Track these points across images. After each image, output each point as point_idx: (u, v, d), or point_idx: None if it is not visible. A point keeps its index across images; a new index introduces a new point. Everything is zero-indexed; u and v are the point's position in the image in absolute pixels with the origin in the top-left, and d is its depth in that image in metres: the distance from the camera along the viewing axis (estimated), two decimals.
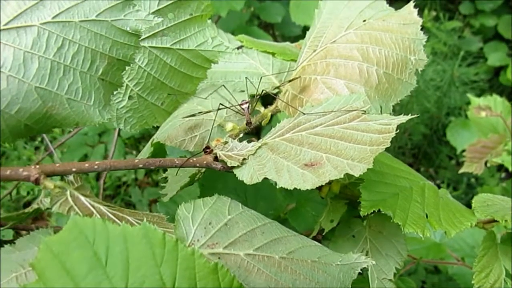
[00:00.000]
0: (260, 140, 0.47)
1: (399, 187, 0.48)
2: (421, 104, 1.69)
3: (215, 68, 0.64)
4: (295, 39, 1.86)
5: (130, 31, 0.35)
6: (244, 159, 0.43)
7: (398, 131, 0.40)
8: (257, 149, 0.44)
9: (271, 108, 0.54)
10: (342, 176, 0.38)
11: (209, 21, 0.73)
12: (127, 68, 0.49)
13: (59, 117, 0.34)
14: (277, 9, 1.59)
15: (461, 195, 2.07)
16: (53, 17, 0.32)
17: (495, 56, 1.79)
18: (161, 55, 0.54)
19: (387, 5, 0.55)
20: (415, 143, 2.01)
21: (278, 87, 0.65)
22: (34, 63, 0.32)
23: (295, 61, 0.69)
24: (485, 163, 1.22)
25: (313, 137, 0.42)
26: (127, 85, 0.53)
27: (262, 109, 0.54)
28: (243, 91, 0.64)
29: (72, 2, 0.33)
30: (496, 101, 1.34)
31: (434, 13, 1.84)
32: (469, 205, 1.84)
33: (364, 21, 0.52)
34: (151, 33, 0.52)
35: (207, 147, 0.45)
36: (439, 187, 1.87)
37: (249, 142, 0.46)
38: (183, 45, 0.55)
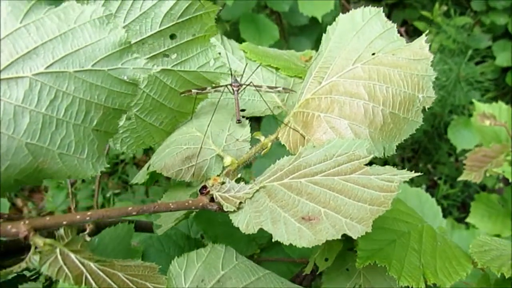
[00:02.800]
0: (258, 178, 0.46)
1: (397, 232, 0.47)
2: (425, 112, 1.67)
3: None
4: (301, 28, 1.82)
5: (127, 80, 0.33)
6: (240, 202, 0.42)
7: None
8: (254, 193, 0.43)
9: (271, 137, 0.52)
10: (339, 236, 0.37)
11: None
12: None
13: (50, 171, 0.32)
14: None
15: (457, 193, 2.08)
16: (47, 67, 0.30)
17: (503, 56, 1.75)
18: (162, 77, 0.52)
19: (398, 35, 0.53)
20: (415, 138, 2.00)
21: (280, 107, 0.63)
22: (25, 117, 0.30)
23: (300, 77, 0.67)
24: (485, 172, 1.21)
25: (312, 186, 0.41)
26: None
27: (262, 138, 0.52)
28: (244, 109, 0.62)
29: (67, 51, 0.31)
30: (501, 108, 1.32)
31: (445, 8, 1.79)
32: (464, 204, 1.84)
33: (373, 54, 0.50)
34: (152, 54, 0.51)
35: (204, 187, 0.43)
36: (436, 184, 1.86)
37: (246, 182, 0.45)
38: (185, 67, 0.53)
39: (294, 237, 0.38)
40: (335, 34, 0.54)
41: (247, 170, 1.51)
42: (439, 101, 1.70)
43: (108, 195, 1.91)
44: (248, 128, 0.53)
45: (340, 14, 0.55)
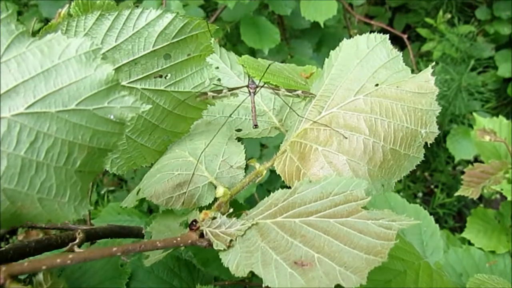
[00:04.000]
0: (251, 212, 0.44)
1: (393, 271, 0.46)
2: None
3: None
4: (303, 30, 1.80)
5: (114, 120, 0.31)
6: (231, 240, 0.40)
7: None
8: (246, 230, 0.41)
9: (266, 165, 0.50)
10: (332, 286, 0.35)
11: (211, 39, 0.68)
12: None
13: (29, 216, 0.30)
14: (288, 1, 1.52)
15: (453, 202, 2.07)
16: (27, 107, 0.28)
17: (506, 67, 1.73)
18: (154, 97, 0.50)
19: (403, 64, 0.51)
20: None
21: (277, 128, 0.62)
22: (2, 161, 0.28)
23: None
24: (482, 188, 1.20)
25: (307, 228, 0.39)
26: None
27: (257, 165, 0.50)
28: (240, 129, 0.60)
29: (50, 89, 0.29)
30: (501, 123, 1.30)
31: (449, 16, 1.77)
32: (460, 213, 1.83)
33: (377, 85, 0.48)
34: (144, 75, 0.49)
35: (195, 221, 0.42)
36: (433, 192, 1.84)
37: (237, 217, 0.43)
38: (179, 87, 0.51)
39: (285, 283, 0.36)
40: (338, 61, 0.51)
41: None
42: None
43: (102, 192, 1.89)
44: (243, 154, 0.51)
45: (344, 39, 0.53)
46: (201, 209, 0.48)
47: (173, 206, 0.47)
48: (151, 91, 0.49)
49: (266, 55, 1.61)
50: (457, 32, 1.72)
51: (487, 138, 1.20)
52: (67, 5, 0.54)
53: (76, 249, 0.77)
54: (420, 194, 2.00)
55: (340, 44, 0.53)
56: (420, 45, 2.05)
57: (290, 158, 0.48)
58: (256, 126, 0.52)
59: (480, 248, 1.25)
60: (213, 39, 0.69)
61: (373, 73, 0.49)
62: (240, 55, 1.85)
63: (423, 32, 1.89)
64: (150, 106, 0.33)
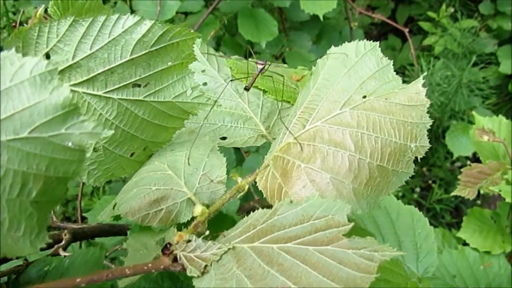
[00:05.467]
0: (229, 233, 0.42)
1: None
2: None
3: None
4: (303, 23, 1.76)
5: (72, 147, 0.29)
6: (206, 266, 0.38)
7: None
8: (222, 255, 0.39)
9: (248, 179, 0.48)
10: None
11: (199, 40, 0.66)
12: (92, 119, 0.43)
13: None
14: None
15: (450, 198, 2.05)
16: None
17: (508, 64, 1.70)
18: (132, 108, 0.47)
19: (394, 74, 0.49)
20: None
21: (264, 136, 0.59)
22: None
23: (288, 102, 0.63)
24: (479, 189, 1.18)
25: (284, 256, 0.37)
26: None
27: (239, 179, 0.48)
28: (224, 137, 0.58)
29: None
30: (501, 122, 1.28)
31: (452, 10, 1.73)
32: (458, 209, 1.81)
33: (365, 97, 0.46)
34: (121, 84, 0.46)
35: (168, 245, 0.40)
36: (431, 187, 1.83)
37: (214, 238, 0.41)
38: (158, 97, 0.48)
39: None
40: (325, 70, 0.49)
41: (238, 168, 1.47)
42: (438, 106, 1.65)
43: None
44: (224, 168, 0.49)
45: (332, 47, 0.51)
46: (179, 226, 0.46)
47: (150, 223, 0.45)
48: (128, 101, 0.47)
49: (264, 48, 1.58)
50: (460, 27, 1.69)
51: (485, 138, 1.18)
52: (43, 5, 0.52)
53: (62, 252, 0.76)
54: (417, 189, 1.98)
55: (328, 51, 0.51)
56: (422, 38, 2.01)
57: (273, 174, 0.46)
58: (247, 89, 0.56)
59: (475, 249, 1.24)
60: (200, 40, 0.66)
61: (361, 84, 0.47)
62: (239, 46, 1.81)
63: (425, 25, 1.85)
64: (112, 131, 0.31)
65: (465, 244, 1.28)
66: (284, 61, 1.65)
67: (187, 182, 0.48)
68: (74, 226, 0.88)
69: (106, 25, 0.44)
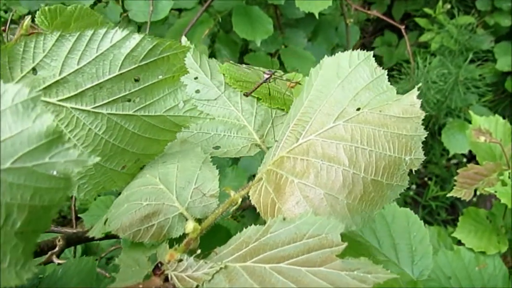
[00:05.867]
0: (221, 251, 0.42)
1: None
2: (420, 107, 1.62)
3: None
4: (298, 20, 1.75)
5: (57, 176, 0.28)
6: (197, 285, 0.38)
7: None
8: (214, 274, 0.38)
9: (242, 192, 0.48)
10: None
11: (191, 46, 0.65)
12: (80, 137, 0.43)
13: None
14: None
15: (446, 194, 2.04)
16: None
17: (504, 61, 1.69)
18: (122, 122, 0.47)
19: (388, 84, 0.48)
20: None
21: (258, 146, 0.59)
22: None
23: (282, 109, 0.62)
24: (475, 190, 1.18)
25: (277, 276, 0.37)
26: (81, 151, 0.47)
27: (232, 193, 0.47)
28: (218, 147, 0.57)
29: None
30: (498, 122, 1.27)
31: (448, 6, 1.72)
32: (453, 206, 1.81)
33: (358, 109, 0.45)
34: (110, 99, 0.45)
35: (159, 264, 0.39)
36: (426, 184, 1.82)
37: (206, 256, 0.41)
38: (149, 111, 0.47)
39: None
40: (318, 81, 0.48)
41: (233, 166, 1.47)
42: (434, 104, 1.65)
43: None
44: (217, 182, 0.48)
45: (325, 57, 0.50)
46: (171, 241, 0.45)
47: (141, 239, 0.45)
48: (118, 116, 0.46)
49: (259, 46, 1.57)
50: (457, 24, 1.68)
51: (482, 139, 1.17)
52: (29, 16, 0.51)
53: (55, 259, 0.75)
54: (413, 186, 1.98)
55: (321, 61, 0.50)
56: (419, 34, 2.00)
57: (266, 189, 0.45)
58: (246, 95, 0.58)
59: (470, 249, 1.24)
60: (193, 46, 0.65)
61: (355, 95, 0.46)
62: (234, 43, 1.78)
63: (421, 22, 1.84)
64: (99, 158, 0.30)
65: (460, 243, 1.28)
66: (279, 59, 1.64)
67: (179, 197, 0.47)
68: (68, 230, 0.87)
69: (93, 40, 0.43)
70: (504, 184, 1.12)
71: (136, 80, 0.45)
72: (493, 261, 1.20)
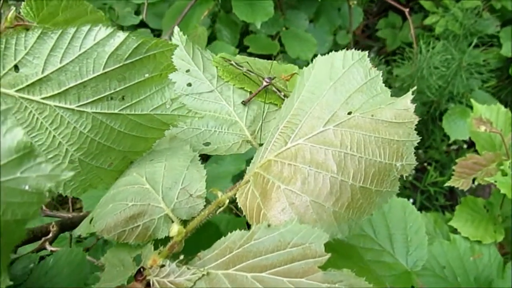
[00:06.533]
0: (205, 256, 0.41)
1: None
2: (422, 93, 1.60)
3: None
4: (299, 1, 1.71)
5: (30, 190, 0.27)
6: None
7: None
8: (196, 281, 0.38)
9: (229, 194, 0.47)
10: None
11: (184, 37, 0.63)
12: (65, 135, 0.42)
13: None
14: None
15: (446, 180, 2.04)
16: None
17: (510, 46, 1.66)
18: (108, 121, 0.46)
19: (383, 85, 0.47)
20: None
21: (249, 142, 0.58)
22: None
23: (275, 104, 0.61)
24: (473, 180, 1.17)
25: (258, 286, 0.36)
26: (66, 149, 0.46)
27: (219, 193, 0.47)
28: (208, 143, 0.57)
29: None
30: (499, 111, 1.26)
31: None
32: (452, 191, 1.80)
33: (350, 113, 0.44)
34: (95, 98, 0.44)
35: (142, 269, 0.39)
36: (426, 169, 1.81)
37: (189, 263, 0.40)
38: (135, 110, 0.46)
39: None
40: (310, 81, 0.47)
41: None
42: (436, 90, 1.62)
43: None
44: (203, 182, 0.47)
45: (319, 56, 0.48)
46: (157, 241, 0.45)
47: (126, 240, 0.44)
48: (104, 115, 0.45)
49: (259, 28, 1.54)
50: (462, 7, 1.64)
51: (482, 128, 1.16)
52: (13, 8, 0.49)
53: (48, 246, 0.75)
54: (412, 171, 1.97)
55: (314, 60, 0.48)
56: (423, 16, 1.96)
57: (252, 192, 0.44)
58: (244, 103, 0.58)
59: (466, 238, 1.24)
60: (185, 37, 0.64)
61: (347, 98, 0.45)
62: (234, 23, 1.75)
63: (426, 4, 1.80)
64: (72, 173, 0.29)
65: (457, 232, 1.28)
66: (280, 41, 1.61)
67: (165, 197, 0.46)
68: (64, 215, 0.87)
69: (76, 37, 0.41)
70: (504, 174, 1.11)
71: (122, 79, 0.44)
72: (489, 250, 1.20)
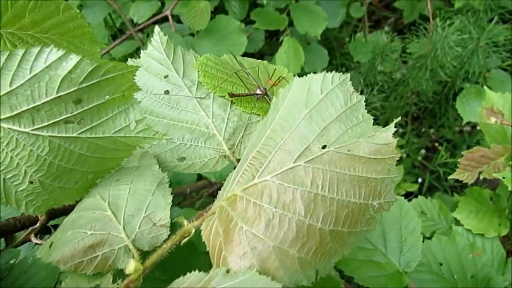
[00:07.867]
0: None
1: None
2: (436, 72, 1.53)
3: (155, 117, 0.54)
4: None
5: None
6: None
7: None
8: None
9: (195, 223, 0.44)
10: None
11: (165, 37, 0.59)
12: (22, 157, 0.40)
13: None
14: None
15: (456, 162, 1.98)
16: None
17: None
18: (66, 144, 0.43)
19: (365, 112, 0.42)
20: (422, 98, 1.87)
21: (227, 157, 0.54)
22: None
23: (258, 115, 0.57)
24: (479, 173, 1.12)
25: None
26: (25, 170, 0.44)
27: (185, 222, 0.44)
28: (183, 158, 0.54)
29: None
30: None
31: None
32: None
33: (324, 146, 0.40)
34: (51, 121, 0.41)
35: None
36: (436, 149, 1.76)
37: None
38: (96, 133, 0.43)
39: None
40: (284, 107, 0.43)
41: None
42: (451, 71, 1.55)
43: None
44: (168, 210, 0.45)
45: (296, 77, 0.44)
46: (115, 274, 0.43)
47: (84, 271, 0.42)
48: (61, 139, 0.42)
49: (267, 1, 1.46)
50: None
51: (493, 120, 1.10)
52: None
53: (33, 238, 0.74)
54: (423, 151, 1.92)
55: (291, 82, 0.44)
56: None
57: (216, 228, 0.41)
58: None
59: (468, 230, 1.21)
60: (166, 37, 0.59)
61: (323, 129, 0.41)
62: None
63: None
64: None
65: (459, 224, 1.24)
66: (288, 15, 1.54)
67: (126, 225, 0.44)
68: None
69: (26, 60, 0.38)
70: None
71: (78, 102, 0.41)
72: (492, 244, 1.17)
